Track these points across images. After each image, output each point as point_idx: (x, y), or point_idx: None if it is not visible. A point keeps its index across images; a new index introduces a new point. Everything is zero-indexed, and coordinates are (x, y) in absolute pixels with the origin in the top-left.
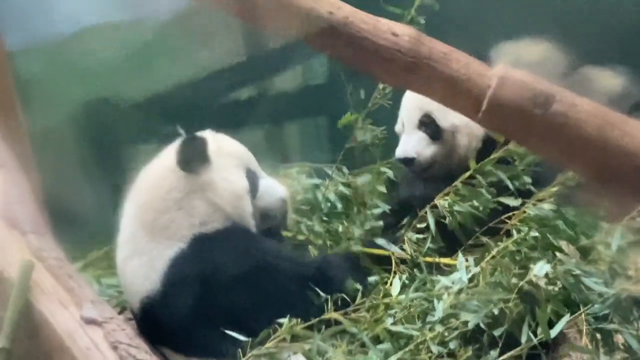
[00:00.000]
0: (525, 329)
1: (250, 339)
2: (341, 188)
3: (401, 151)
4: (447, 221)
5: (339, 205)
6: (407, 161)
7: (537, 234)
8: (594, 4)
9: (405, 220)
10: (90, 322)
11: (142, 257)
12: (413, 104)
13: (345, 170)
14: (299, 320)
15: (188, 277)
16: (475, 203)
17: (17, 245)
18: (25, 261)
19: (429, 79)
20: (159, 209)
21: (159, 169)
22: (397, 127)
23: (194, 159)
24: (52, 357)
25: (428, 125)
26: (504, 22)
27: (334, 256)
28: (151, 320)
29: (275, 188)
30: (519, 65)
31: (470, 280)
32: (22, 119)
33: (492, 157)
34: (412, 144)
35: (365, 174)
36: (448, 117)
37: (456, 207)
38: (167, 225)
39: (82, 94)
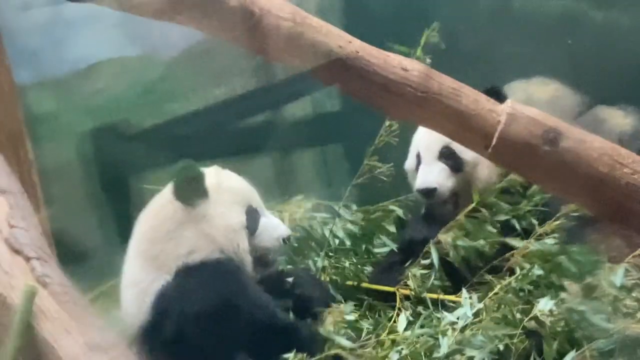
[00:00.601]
0: None
1: None
2: (349, 225)
3: (422, 182)
4: (450, 256)
5: (348, 243)
6: (429, 192)
7: (540, 271)
8: (605, 45)
9: (412, 259)
10: (95, 348)
11: (136, 287)
12: (432, 136)
13: (352, 206)
14: (305, 355)
15: (169, 310)
16: (479, 239)
17: (20, 270)
18: (29, 287)
19: (438, 114)
20: (152, 239)
21: (159, 200)
22: (408, 164)
23: (190, 190)
24: None
25: (449, 156)
26: (515, 61)
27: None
28: (147, 352)
29: (276, 227)
30: (530, 104)
31: (475, 316)
32: (30, 150)
33: (495, 187)
34: (434, 174)
35: (375, 211)
36: (469, 149)
37: (459, 242)
38: (156, 256)
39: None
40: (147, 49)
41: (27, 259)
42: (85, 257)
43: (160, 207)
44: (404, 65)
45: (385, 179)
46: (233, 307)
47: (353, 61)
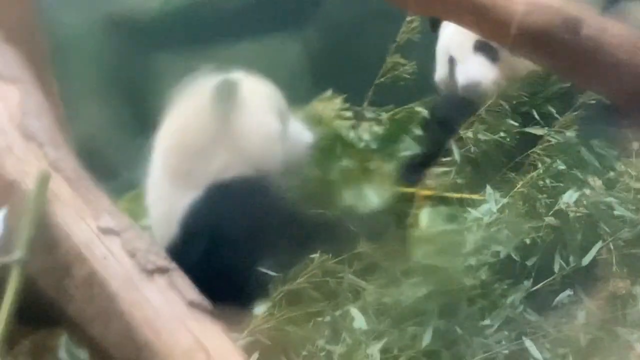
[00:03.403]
0: (557, 257)
1: (280, 275)
2: (375, 128)
3: (466, 77)
4: (471, 151)
5: (373, 145)
6: (475, 86)
7: (562, 165)
8: None
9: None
10: (108, 231)
11: (165, 204)
12: (461, 36)
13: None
14: (330, 255)
15: (197, 227)
16: (500, 132)
17: (34, 156)
18: (42, 172)
19: (456, 6)
20: (182, 154)
21: (187, 112)
22: (439, 74)
23: (227, 102)
24: (70, 268)
25: (484, 48)
26: None
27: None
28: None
29: (302, 134)
30: None
31: (500, 212)
32: (43, 42)
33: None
34: (475, 68)
35: (400, 112)
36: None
37: (480, 136)
38: (187, 172)
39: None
40: None
41: (40, 145)
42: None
43: (190, 119)
44: None
45: (408, 76)
46: (263, 225)
47: None
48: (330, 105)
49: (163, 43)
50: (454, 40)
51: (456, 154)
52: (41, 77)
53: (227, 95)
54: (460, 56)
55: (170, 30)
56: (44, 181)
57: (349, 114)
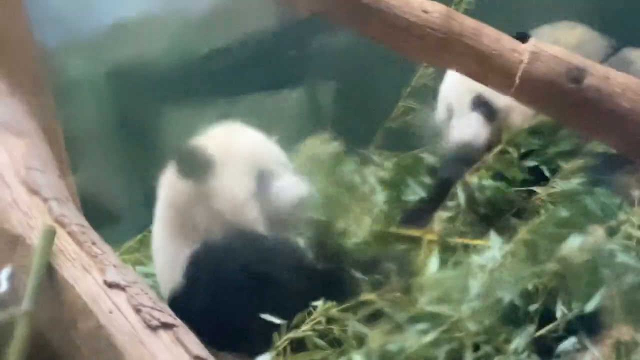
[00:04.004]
0: (559, 304)
1: (285, 322)
2: (380, 173)
3: (458, 135)
4: (476, 197)
5: (378, 189)
6: (465, 145)
7: (566, 212)
8: None
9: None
10: (114, 286)
11: (168, 254)
12: (461, 87)
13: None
14: (334, 302)
15: (196, 279)
16: (505, 182)
17: (39, 211)
18: (47, 226)
19: (460, 55)
20: (175, 209)
21: (173, 172)
22: (439, 116)
23: (194, 168)
24: (76, 321)
25: (481, 105)
26: (541, 6)
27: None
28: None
29: (289, 191)
30: None
31: (503, 258)
32: (51, 97)
33: (524, 127)
34: (469, 126)
35: (407, 158)
36: (501, 97)
37: (485, 182)
38: (182, 225)
39: (117, 83)
40: (174, 6)
41: (45, 200)
42: (109, 209)
43: (174, 180)
44: (424, 8)
45: (418, 122)
46: (260, 276)
47: (374, 5)
48: (327, 147)
49: (169, 95)
50: (455, 91)
51: (461, 199)
52: (47, 129)
53: (189, 163)
54: (458, 109)
55: (176, 82)
56: (49, 236)
57: (354, 156)
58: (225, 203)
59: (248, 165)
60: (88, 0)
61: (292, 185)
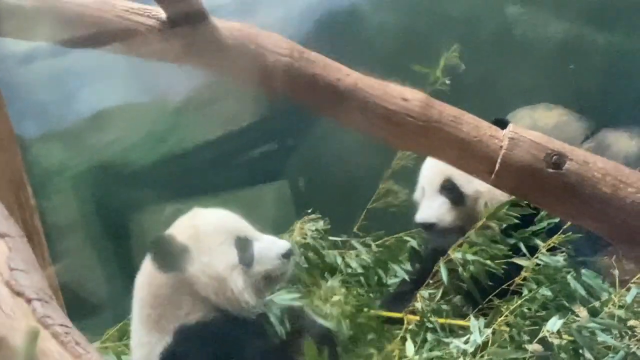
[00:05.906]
0: None
1: None
2: (363, 256)
3: (421, 216)
4: (460, 272)
5: (360, 270)
6: (427, 226)
7: (548, 292)
8: (608, 68)
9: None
10: None
11: (142, 349)
12: (434, 169)
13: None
14: None
15: None
16: (488, 257)
17: (22, 312)
18: (31, 328)
19: (440, 143)
20: (151, 305)
21: (150, 267)
22: (416, 194)
23: (168, 257)
24: None
25: (450, 190)
26: (519, 88)
27: None
28: None
29: (272, 248)
30: (536, 130)
31: (484, 341)
32: (31, 196)
33: (504, 202)
34: (433, 209)
35: (389, 241)
36: (471, 183)
37: (469, 257)
38: (157, 320)
39: (97, 173)
40: (154, 95)
41: (29, 301)
42: (90, 300)
43: (151, 274)
44: (404, 95)
45: (399, 205)
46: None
47: (352, 94)
48: (312, 227)
49: (152, 191)
50: (427, 174)
51: (444, 277)
52: (28, 229)
53: (164, 256)
54: (428, 191)
55: (160, 178)
56: (33, 337)
57: (336, 239)
58: (208, 285)
59: (223, 235)
60: (69, 90)
61: (273, 242)
